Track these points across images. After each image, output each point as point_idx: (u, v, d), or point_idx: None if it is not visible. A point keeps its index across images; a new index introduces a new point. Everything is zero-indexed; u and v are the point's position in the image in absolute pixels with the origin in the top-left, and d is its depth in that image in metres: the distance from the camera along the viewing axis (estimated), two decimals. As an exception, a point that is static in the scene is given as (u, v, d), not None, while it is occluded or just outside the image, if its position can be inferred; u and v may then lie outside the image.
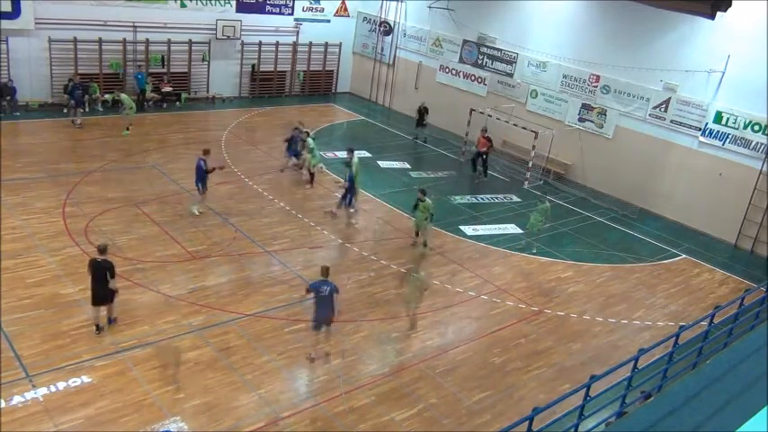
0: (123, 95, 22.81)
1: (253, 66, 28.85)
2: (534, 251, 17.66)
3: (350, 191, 17.66)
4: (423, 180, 22.00)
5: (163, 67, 26.15)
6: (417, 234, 17.20)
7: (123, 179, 18.59)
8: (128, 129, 22.40)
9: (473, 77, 27.06)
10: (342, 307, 12.04)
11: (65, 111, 23.28)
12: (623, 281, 16.89)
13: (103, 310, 11.84)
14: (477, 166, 23.24)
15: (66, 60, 23.84)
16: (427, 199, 16.62)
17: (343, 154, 23.38)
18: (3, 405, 9.86)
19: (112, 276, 11.46)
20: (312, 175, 20.10)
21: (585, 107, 23.47)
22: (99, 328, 11.73)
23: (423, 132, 26.41)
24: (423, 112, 26.14)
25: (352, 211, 18.01)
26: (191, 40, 26.49)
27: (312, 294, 11.65)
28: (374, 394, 11.26)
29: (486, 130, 23.00)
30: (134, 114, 22.78)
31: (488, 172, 23.24)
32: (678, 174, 21.35)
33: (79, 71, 23.91)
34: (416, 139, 26.34)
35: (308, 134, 20.74)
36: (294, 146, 20.71)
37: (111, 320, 11.96)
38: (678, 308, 15.83)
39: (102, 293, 11.55)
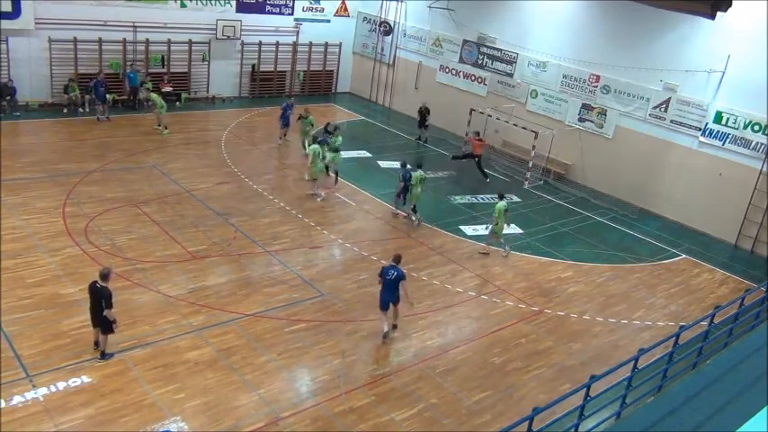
0: (153, 95, 23.00)
1: (253, 66, 28.86)
2: (504, 254, 17.22)
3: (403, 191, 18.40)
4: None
5: (163, 67, 26.15)
6: (413, 209, 18.20)
7: (123, 179, 18.58)
8: (166, 128, 22.83)
9: (473, 77, 27.06)
10: (410, 292, 12.84)
11: (65, 111, 23.33)
12: (623, 281, 16.89)
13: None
14: (460, 159, 23.27)
15: (67, 60, 23.84)
16: (420, 171, 17.90)
17: (343, 153, 23.40)
18: (3, 405, 9.86)
19: (107, 306, 10.78)
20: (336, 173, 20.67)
21: (585, 107, 23.47)
22: (97, 345, 11.26)
23: (424, 133, 26.40)
24: (424, 113, 26.11)
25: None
26: (191, 40, 26.49)
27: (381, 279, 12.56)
28: (374, 394, 11.26)
29: (478, 134, 23.04)
30: (165, 113, 23.00)
31: (487, 172, 23.25)
32: (678, 174, 21.35)
33: (79, 71, 23.96)
34: (418, 140, 26.35)
35: (307, 111, 22.59)
36: (285, 118, 22.86)
37: (103, 355, 11.16)
38: (678, 308, 15.83)
39: (95, 318, 11.03)
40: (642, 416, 9.24)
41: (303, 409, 10.67)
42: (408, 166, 18.32)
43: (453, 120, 27.02)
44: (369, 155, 23.85)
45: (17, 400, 10.03)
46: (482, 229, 18.64)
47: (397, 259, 12.78)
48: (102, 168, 19.15)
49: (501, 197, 17.26)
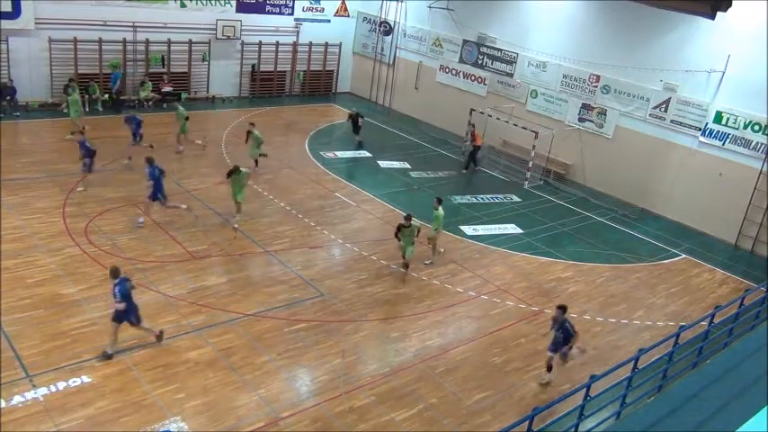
0: (73, 96, 21.47)
1: (253, 66, 28.86)
2: (428, 262, 16.22)
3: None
4: (423, 180, 22.05)
5: (163, 67, 26.17)
6: (404, 256, 15.43)
7: (123, 179, 18.57)
8: (73, 133, 20.32)
9: (473, 77, 27.06)
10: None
11: (65, 111, 23.32)
12: (623, 281, 16.88)
13: None
14: (473, 161, 23.67)
15: (67, 60, 23.86)
16: (413, 222, 15.30)
17: (343, 153, 23.47)
18: (3, 405, 9.86)
19: None
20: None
21: (585, 107, 23.47)
22: None
23: (356, 138, 24.68)
24: (355, 117, 24.64)
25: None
26: (191, 40, 26.50)
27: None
28: (374, 394, 11.26)
29: (473, 126, 23.73)
30: (76, 117, 21.23)
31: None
32: (678, 174, 21.34)
33: (79, 71, 24.00)
34: (359, 145, 24.67)
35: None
36: (133, 128, 19.77)
37: None
38: (678, 308, 15.82)
39: None
40: (642, 416, 9.24)
41: (303, 409, 10.67)
42: (156, 163, 16.05)
43: (453, 120, 27.01)
44: (369, 155, 23.85)
45: (17, 400, 10.03)
46: (482, 229, 18.68)
47: (116, 272, 11.23)
48: (101, 168, 19.14)
49: (439, 202, 16.16)
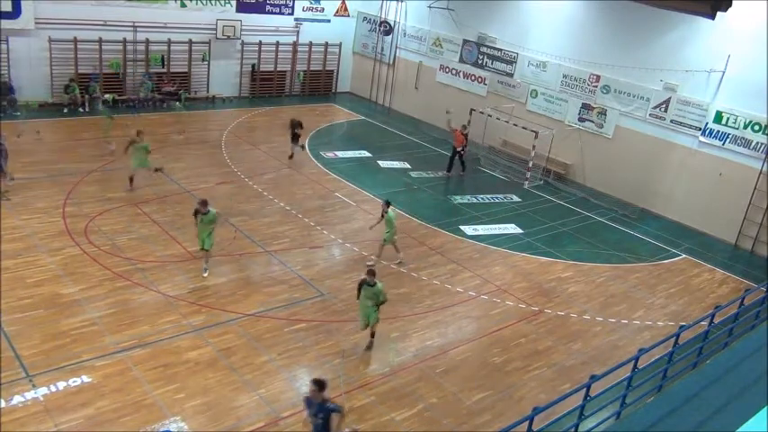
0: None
1: (253, 66, 28.86)
2: (398, 261, 15.96)
3: None
4: (423, 180, 22.05)
5: (163, 67, 26.17)
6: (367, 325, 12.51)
7: (123, 179, 18.54)
8: (38, 132, 20.70)
9: (473, 77, 27.06)
10: None
11: (65, 110, 23.35)
12: (623, 281, 16.89)
13: None
14: (452, 164, 23.08)
15: (67, 60, 23.85)
16: (378, 282, 12.28)
17: (343, 153, 23.47)
18: (3, 405, 9.86)
19: None
20: None
21: (585, 107, 23.47)
22: None
23: (295, 147, 22.23)
24: (295, 126, 22.56)
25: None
26: (191, 40, 26.50)
27: None
28: (374, 394, 11.26)
29: (465, 126, 23.01)
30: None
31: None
32: (678, 174, 21.34)
33: (79, 71, 24.00)
34: (290, 157, 22.21)
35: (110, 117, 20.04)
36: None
37: None
38: (678, 308, 15.82)
39: None
40: (642, 416, 9.25)
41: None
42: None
43: (454, 120, 26.94)
44: (369, 155, 23.85)
45: (17, 399, 10.03)
46: (482, 229, 18.67)
47: None
48: (101, 168, 19.15)
49: (388, 204, 15.75)
